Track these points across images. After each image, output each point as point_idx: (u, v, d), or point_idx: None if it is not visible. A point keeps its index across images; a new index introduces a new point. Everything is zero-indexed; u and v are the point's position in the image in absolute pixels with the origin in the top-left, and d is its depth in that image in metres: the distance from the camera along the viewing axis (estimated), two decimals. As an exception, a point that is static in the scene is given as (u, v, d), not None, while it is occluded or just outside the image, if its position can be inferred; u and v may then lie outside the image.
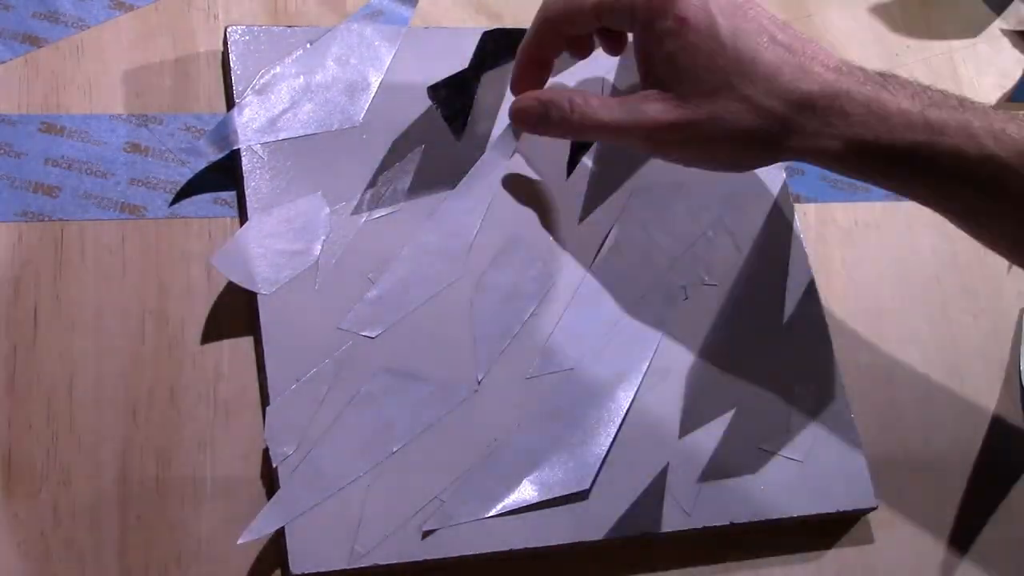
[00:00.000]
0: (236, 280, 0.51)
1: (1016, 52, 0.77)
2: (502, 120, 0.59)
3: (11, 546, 0.46)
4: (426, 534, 0.50)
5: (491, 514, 0.51)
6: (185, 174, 0.55)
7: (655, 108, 0.50)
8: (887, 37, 0.75)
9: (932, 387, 0.64)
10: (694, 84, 0.50)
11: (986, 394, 0.65)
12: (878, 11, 0.75)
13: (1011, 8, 0.78)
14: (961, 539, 0.60)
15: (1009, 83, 0.75)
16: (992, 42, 0.77)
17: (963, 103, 0.49)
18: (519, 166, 0.59)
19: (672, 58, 0.50)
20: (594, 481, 0.53)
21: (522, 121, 0.56)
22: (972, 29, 0.77)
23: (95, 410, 0.49)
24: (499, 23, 0.65)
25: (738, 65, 0.49)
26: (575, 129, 0.53)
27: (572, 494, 0.52)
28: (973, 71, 0.75)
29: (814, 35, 0.72)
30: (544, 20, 0.54)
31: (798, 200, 0.65)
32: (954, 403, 0.64)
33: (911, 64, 0.74)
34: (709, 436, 0.56)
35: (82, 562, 0.47)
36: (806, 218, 0.65)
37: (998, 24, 0.78)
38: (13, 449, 0.48)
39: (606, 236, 0.58)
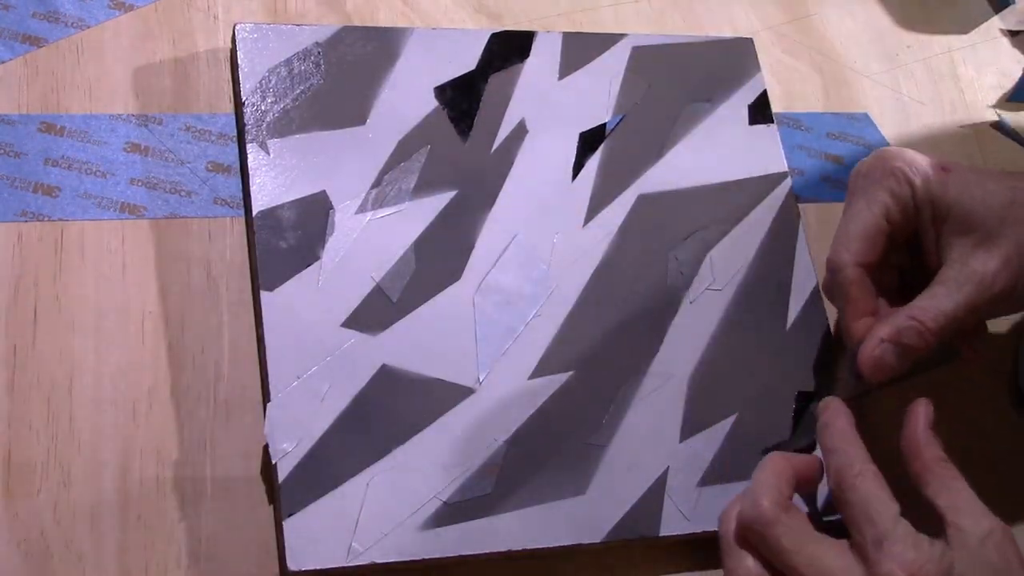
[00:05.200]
0: None
1: (1016, 52, 0.77)
2: (508, 122, 0.59)
3: (11, 546, 0.46)
4: (425, 533, 0.50)
5: (490, 514, 0.51)
6: (185, 174, 0.55)
7: (980, 260, 0.52)
8: (887, 37, 0.75)
9: (931, 387, 0.63)
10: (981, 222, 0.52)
11: (986, 394, 0.64)
12: (878, 11, 0.75)
13: (1011, 7, 0.78)
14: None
15: (1009, 83, 0.75)
16: (992, 42, 0.77)
17: None
18: (524, 167, 0.59)
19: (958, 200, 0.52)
20: (594, 483, 0.53)
21: (881, 371, 0.53)
22: (972, 28, 0.77)
23: (95, 410, 0.49)
24: (498, 23, 0.65)
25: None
26: (933, 339, 0.52)
27: (572, 495, 0.52)
28: (973, 71, 0.75)
29: (814, 35, 0.72)
30: (851, 283, 0.53)
31: (798, 200, 0.64)
32: (954, 403, 0.63)
33: (911, 64, 0.74)
34: (710, 440, 0.56)
35: (82, 562, 0.47)
36: (806, 218, 0.65)
37: (998, 24, 0.78)
38: (13, 449, 0.48)
39: (610, 239, 0.58)
